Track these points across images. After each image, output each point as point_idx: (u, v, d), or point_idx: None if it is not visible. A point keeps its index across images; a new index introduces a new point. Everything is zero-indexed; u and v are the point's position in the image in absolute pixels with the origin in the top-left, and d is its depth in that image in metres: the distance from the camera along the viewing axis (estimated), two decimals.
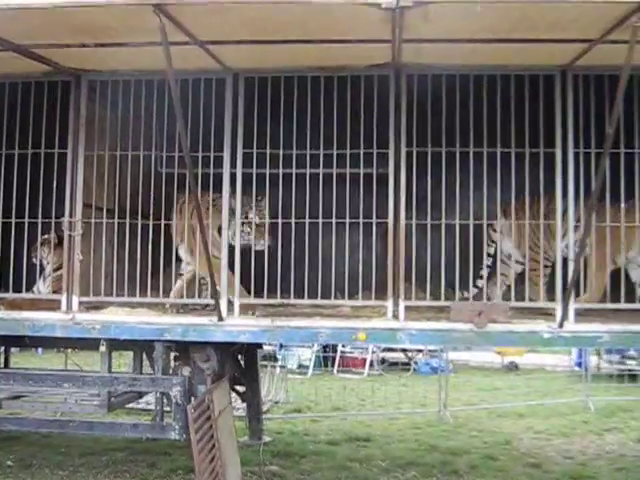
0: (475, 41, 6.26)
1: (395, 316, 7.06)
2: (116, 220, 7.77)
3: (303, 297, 7.38)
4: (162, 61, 5.82)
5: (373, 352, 20.29)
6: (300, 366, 19.34)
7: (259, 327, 7.07)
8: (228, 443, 7.55)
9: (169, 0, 5.20)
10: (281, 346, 18.61)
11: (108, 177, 7.79)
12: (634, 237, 7.69)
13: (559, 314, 6.88)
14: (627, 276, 7.71)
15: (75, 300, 7.44)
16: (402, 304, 7.03)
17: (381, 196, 7.35)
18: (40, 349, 19.60)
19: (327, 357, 20.06)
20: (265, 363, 14.51)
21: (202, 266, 7.42)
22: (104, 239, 7.79)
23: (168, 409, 7.77)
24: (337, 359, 20.06)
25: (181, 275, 8.26)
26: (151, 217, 7.80)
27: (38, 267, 8.50)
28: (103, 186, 7.79)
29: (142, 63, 7.09)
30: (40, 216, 7.75)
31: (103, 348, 7.45)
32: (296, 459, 9.56)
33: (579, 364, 19.78)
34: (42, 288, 8.47)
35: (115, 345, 7.61)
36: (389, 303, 7.10)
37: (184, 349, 7.53)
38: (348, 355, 20.47)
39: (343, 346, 20.23)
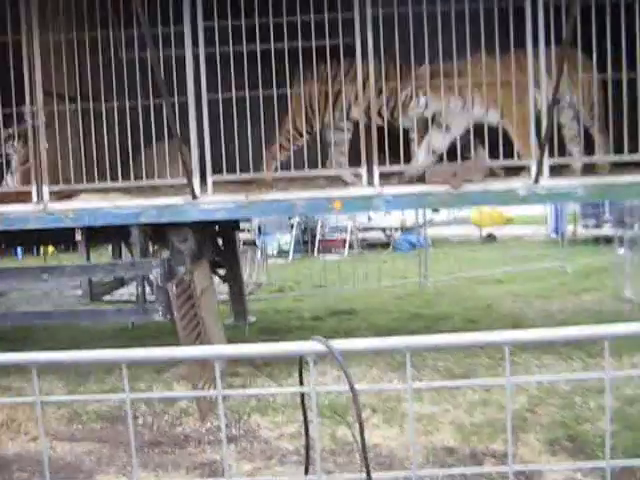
0: None
1: (370, 183, 7.03)
2: (79, 106, 7.56)
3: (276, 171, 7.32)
4: None
5: (352, 233, 20.38)
6: (280, 251, 19.44)
7: (234, 203, 7.03)
8: (212, 322, 7.64)
9: None
10: (260, 232, 18.69)
11: (67, 63, 7.51)
12: None
13: (534, 170, 6.87)
14: None
15: (46, 190, 7.32)
16: (377, 170, 6.99)
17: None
18: (20, 253, 19.53)
19: (306, 242, 20.14)
20: (245, 248, 14.54)
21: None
22: (69, 127, 7.58)
23: (153, 300, 7.75)
24: (317, 242, 20.15)
25: None
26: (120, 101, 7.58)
27: (4, 163, 8.30)
28: (63, 72, 7.53)
29: None
30: None
31: (79, 236, 7.39)
32: (281, 335, 9.67)
33: (556, 230, 20.05)
34: (11, 183, 8.30)
35: (91, 235, 7.55)
36: (363, 170, 7.05)
37: (161, 232, 7.50)
38: (327, 238, 20.57)
39: (322, 228, 20.30)
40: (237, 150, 7.28)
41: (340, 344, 1.92)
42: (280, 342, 2.07)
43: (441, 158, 7.33)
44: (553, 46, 6.90)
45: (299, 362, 2.17)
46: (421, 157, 7.38)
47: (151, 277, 7.33)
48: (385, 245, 20.74)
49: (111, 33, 7.62)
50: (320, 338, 1.92)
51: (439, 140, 7.41)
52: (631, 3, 6.94)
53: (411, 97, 7.29)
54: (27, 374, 2.23)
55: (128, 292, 10.99)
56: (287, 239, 19.58)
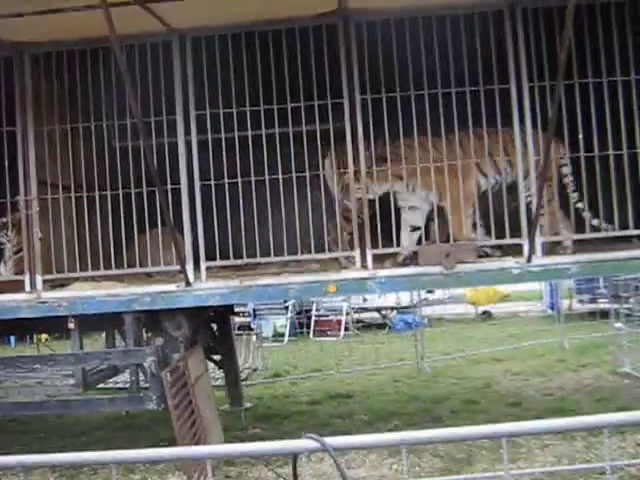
0: None
1: (364, 266, 7.03)
2: (73, 195, 7.61)
3: (270, 256, 7.34)
4: (105, 26, 5.65)
5: (347, 314, 20.29)
6: (275, 334, 19.29)
7: (228, 288, 7.01)
8: (208, 409, 7.51)
9: None
10: (254, 315, 18.62)
11: (61, 153, 7.59)
12: None
13: (526, 249, 6.89)
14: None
15: (39, 279, 7.30)
16: (369, 253, 7.00)
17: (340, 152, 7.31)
18: (12, 341, 19.38)
19: (302, 323, 20.00)
20: (240, 332, 14.46)
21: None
22: (62, 216, 7.61)
23: (147, 386, 7.65)
24: (312, 323, 20.01)
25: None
26: (115, 189, 7.64)
27: None
28: (57, 163, 7.59)
29: (85, 30, 6.90)
30: None
31: (72, 325, 7.32)
32: (278, 420, 9.55)
33: (551, 306, 20.00)
34: (4, 272, 8.28)
35: (84, 323, 7.49)
36: (356, 253, 7.06)
37: (155, 319, 7.44)
38: (323, 319, 20.44)
39: (317, 310, 20.21)
40: (230, 235, 7.31)
41: (335, 441, 1.88)
42: (274, 436, 2.01)
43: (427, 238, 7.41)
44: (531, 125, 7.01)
45: (292, 460, 2.12)
46: (404, 239, 7.48)
47: (145, 365, 7.24)
48: (381, 325, 20.63)
49: (105, 123, 7.72)
50: (314, 436, 1.88)
51: (413, 218, 7.59)
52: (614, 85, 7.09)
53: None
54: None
55: (123, 378, 10.89)
56: (282, 322, 19.47)
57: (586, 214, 7.46)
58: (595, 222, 7.50)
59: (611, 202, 7.17)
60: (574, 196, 7.58)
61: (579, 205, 7.50)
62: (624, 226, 7.21)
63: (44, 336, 17.08)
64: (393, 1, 6.82)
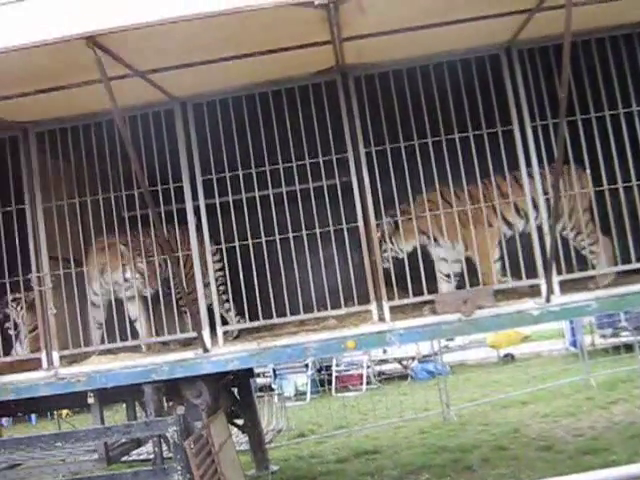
0: (413, 29, 6.20)
1: (381, 319, 6.95)
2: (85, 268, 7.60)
3: (286, 316, 7.26)
4: (107, 100, 5.69)
5: (368, 367, 20.07)
6: (297, 393, 19.06)
7: (246, 352, 6.92)
8: (234, 476, 7.37)
9: (100, 30, 5.04)
10: (275, 375, 18.46)
11: (71, 227, 7.60)
12: None
13: (544, 289, 6.79)
14: None
15: (55, 355, 7.24)
16: (386, 305, 6.92)
17: (349, 206, 7.28)
18: (34, 418, 19.27)
19: (323, 379, 19.76)
20: (262, 394, 14.30)
21: None
22: (76, 290, 7.57)
23: (171, 456, 7.52)
24: (333, 379, 19.77)
25: None
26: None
27: (13, 330, 8.24)
28: (67, 237, 7.58)
29: (87, 105, 6.97)
30: (7, 276, 7.57)
31: (91, 400, 7.25)
32: None
33: (574, 343, 19.71)
34: (20, 351, 8.22)
35: (104, 396, 7.41)
36: (373, 306, 6.98)
37: (174, 388, 7.35)
38: (344, 374, 20.20)
39: (337, 365, 20.01)
40: (245, 297, 7.27)
41: None
42: None
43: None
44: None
45: None
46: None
47: (167, 435, 7.11)
48: (403, 376, 20.36)
49: (112, 195, 7.73)
50: None
51: None
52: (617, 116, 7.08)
53: None
54: None
55: (147, 450, 10.74)
56: (303, 380, 19.25)
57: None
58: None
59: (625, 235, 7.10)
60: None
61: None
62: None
63: (65, 411, 16.97)
64: (389, 53, 6.85)
